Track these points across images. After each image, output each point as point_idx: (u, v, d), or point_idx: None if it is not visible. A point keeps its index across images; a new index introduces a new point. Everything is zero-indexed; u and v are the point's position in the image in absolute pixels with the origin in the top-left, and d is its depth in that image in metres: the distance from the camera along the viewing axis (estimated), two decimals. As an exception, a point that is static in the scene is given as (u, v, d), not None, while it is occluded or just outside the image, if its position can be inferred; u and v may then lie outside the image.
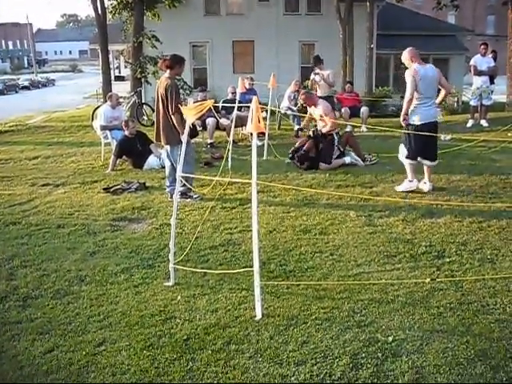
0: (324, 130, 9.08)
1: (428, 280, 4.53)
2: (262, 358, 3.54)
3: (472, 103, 13.60)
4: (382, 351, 3.56)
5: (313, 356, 3.54)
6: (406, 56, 7.14)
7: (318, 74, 11.67)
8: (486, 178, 7.95)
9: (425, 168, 7.43)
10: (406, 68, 7.12)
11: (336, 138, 9.12)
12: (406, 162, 7.42)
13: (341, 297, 4.36)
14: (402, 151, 7.44)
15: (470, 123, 13.44)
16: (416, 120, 7.04)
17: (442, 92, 7.46)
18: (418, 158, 7.31)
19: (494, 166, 8.82)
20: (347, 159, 9.10)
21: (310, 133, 9.33)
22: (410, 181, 7.42)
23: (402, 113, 7.14)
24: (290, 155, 9.24)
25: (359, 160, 9.12)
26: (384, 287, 4.49)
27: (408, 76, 6.99)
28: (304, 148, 9.05)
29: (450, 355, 3.49)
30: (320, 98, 10.39)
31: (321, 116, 9.18)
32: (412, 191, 7.32)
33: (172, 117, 6.91)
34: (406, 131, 7.16)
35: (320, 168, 8.87)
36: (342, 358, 3.51)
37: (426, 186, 7.44)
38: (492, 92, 13.34)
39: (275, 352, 3.60)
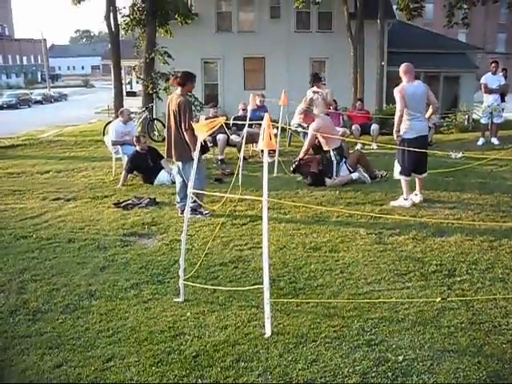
0: (303, 150, 9.32)
1: (439, 299, 4.50)
2: (272, 375, 3.52)
3: (482, 121, 13.58)
4: (392, 371, 3.53)
5: (322, 375, 3.51)
6: (400, 69, 7.44)
7: (317, 92, 11.58)
8: (496, 196, 7.92)
9: (417, 181, 7.73)
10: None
11: (333, 153, 9.06)
12: (402, 179, 7.62)
13: (351, 315, 4.33)
14: (397, 169, 7.69)
15: (480, 141, 13.41)
16: (409, 135, 7.34)
17: (430, 109, 7.70)
18: (412, 174, 7.60)
19: (505, 184, 8.78)
20: (355, 175, 9.11)
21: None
22: (405, 199, 7.59)
23: (394, 129, 7.45)
24: (294, 166, 9.30)
25: (367, 177, 9.12)
26: (394, 306, 4.46)
27: (396, 94, 7.33)
28: (304, 158, 9.12)
29: (462, 376, 3.46)
30: None
31: (322, 136, 9.16)
32: (422, 209, 7.31)
33: (184, 133, 6.94)
34: (401, 147, 7.44)
35: (326, 184, 8.88)
36: (351, 376, 3.48)
37: (417, 197, 7.71)
38: (503, 110, 13.33)
39: (284, 370, 3.58)
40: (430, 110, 7.72)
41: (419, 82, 7.51)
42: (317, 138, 9.66)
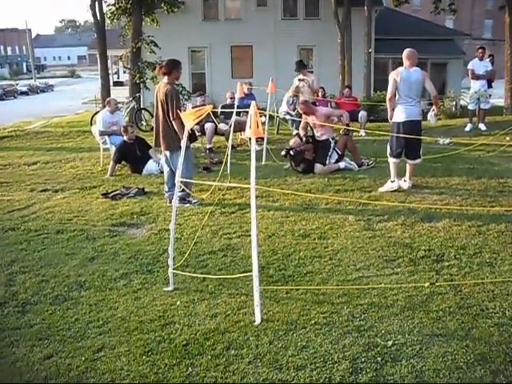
0: (346, 120, 9.36)
1: (427, 284, 4.53)
2: (262, 362, 3.54)
3: (470, 107, 13.62)
4: (382, 355, 3.56)
5: (312, 361, 3.53)
6: (403, 54, 7.53)
7: (302, 80, 11.53)
8: (484, 181, 7.96)
9: (407, 166, 7.74)
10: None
11: (332, 141, 9.17)
12: (391, 161, 7.70)
13: (340, 301, 4.35)
14: (388, 150, 7.79)
15: (468, 127, 13.46)
16: (399, 118, 7.43)
17: (433, 98, 7.69)
18: (402, 157, 7.66)
19: (492, 169, 8.83)
20: (342, 164, 9.16)
21: (304, 138, 9.43)
22: (392, 181, 7.67)
23: (389, 113, 7.61)
24: (284, 153, 9.30)
25: (354, 164, 9.18)
26: (383, 291, 4.49)
27: (390, 77, 7.46)
28: (300, 148, 9.11)
29: (450, 359, 3.49)
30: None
31: (321, 125, 9.21)
32: (410, 195, 7.34)
33: (173, 122, 6.91)
34: (391, 131, 7.58)
35: (315, 170, 8.90)
36: (341, 362, 3.50)
37: (405, 183, 7.74)
38: (490, 96, 13.38)
39: (275, 357, 3.59)
40: (433, 100, 7.70)
41: (416, 69, 7.51)
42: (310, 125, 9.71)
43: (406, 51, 7.51)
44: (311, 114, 9.51)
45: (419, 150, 7.74)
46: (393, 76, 7.40)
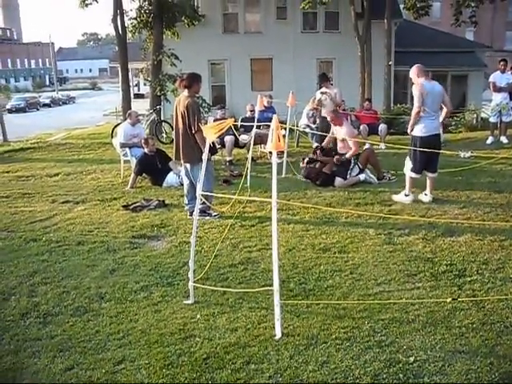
0: (348, 156, 9.15)
1: (449, 300, 4.48)
2: (282, 377, 3.52)
3: (491, 120, 13.49)
4: (404, 372, 3.52)
5: (333, 376, 3.50)
6: (413, 71, 7.51)
7: (325, 93, 11.48)
8: (506, 195, 7.87)
9: (428, 180, 7.75)
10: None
11: (353, 157, 9.16)
12: (410, 176, 7.71)
13: (361, 316, 4.32)
14: (408, 165, 7.77)
15: (489, 140, 13.33)
16: (422, 132, 7.41)
17: (444, 109, 7.73)
18: (424, 172, 7.67)
19: (514, 183, 8.72)
20: (362, 177, 9.12)
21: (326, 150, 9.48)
22: (406, 195, 7.73)
23: (410, 124, 7.55)
24: (303, 165, 9.33)
25: (373, 178, 9.14)
26: (404, 306, 4.45)
27: (415, 91, 7.36)
28: (319, 158, 9.13)
29: (474, 377, 3.44)
30: (325, 118, 10.60)
31: (342, 139, 9.22)
32: (431, 209, 7.29)
33: (195, 135, 6.93)
34: (412, 146, 7.52)
35: (335, 183, 8.88)
36: (362, 378, 3.47)
37: (426, 197, 7.77)
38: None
39: (295, 372, 3.57)
40: (444, 111, 7.73)
41: (436, 83, 7.54)
42: (335, 140, 9.70)
43: (417, 67, 7.46)
44: (338, 124, 9.51)
45: (438, 163, 7.79)
46: (418, 90, 7.28)
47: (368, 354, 3.75)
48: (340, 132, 9.40)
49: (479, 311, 4.33)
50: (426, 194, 7.74)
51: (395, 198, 7.80)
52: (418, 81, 7.39)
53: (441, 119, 7.76)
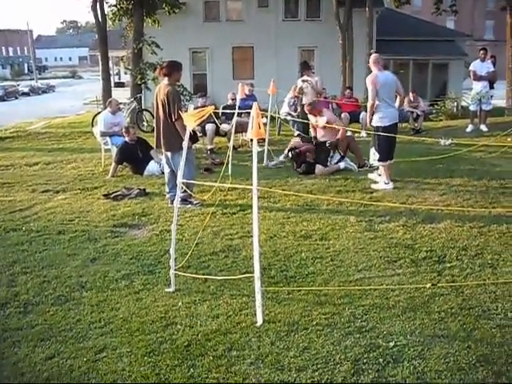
0: (340, 135, 9.28)
1: (429, 285, 4.53)
2: (264, 364, 3.54)
3: (471, 108, 13.62)
4: (384, 357, 3.56)
5: (314, 362, 3.53)
6: (370, 61, 7.95)
7: (306, 81, 11.46)
8: (485, 182, 7.97)
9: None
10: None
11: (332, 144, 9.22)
12: (381, 165, 7.94)
13: (342, 302, 4.36)
14: (374, 156, 8.08)
15: (469, 128, 13.46)
16: (383, 122, 7.69)
17: (398, 98, 8.11)
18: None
19: (493, 170, 8.83)
20: (341, 165, 9.19)
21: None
22: (386, 183, 7.89)
23: (368, 116, 7.90)
24: (285, 154, 9.34)
25: (353, 165, 9.20)
26: (385, 292, 4.49)
27: (368, 83, 7.71)
28: (302, 149, 9.13)
29: (452, 360, 3.49)
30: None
31: (325, 125, 9.26)
32: (412, 196, 7.35)
33: (175, 123, 6.90)
34: (376, 136, 7.85)
35: (316, 171, 8.91)
36: (343, 363, 3.50)
37: (379, 177, 8.14)
38: (491, 97, 13.36)
39: (276, 358, 3.59)
40: (398, 100, 8.11)
41: (389, 73, 7.93)
42: (316, 129, 9.73)
43: (374, 56, 7.89)
44: (318, 113, 9.56)
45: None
46: (372, 81, 7.63)
47: (348, 340, 3.78)
48: (322, 120, 9.42)
49: (458, 296, 4.39)
50: (379, 174, 8.14)
51: (374, 186, 7.94)
52: (373, 71, 7.75)
53: (396, 105, 8.04)
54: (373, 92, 7.61)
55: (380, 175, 8.19)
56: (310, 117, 9.83)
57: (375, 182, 8.08)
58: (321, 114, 9.54)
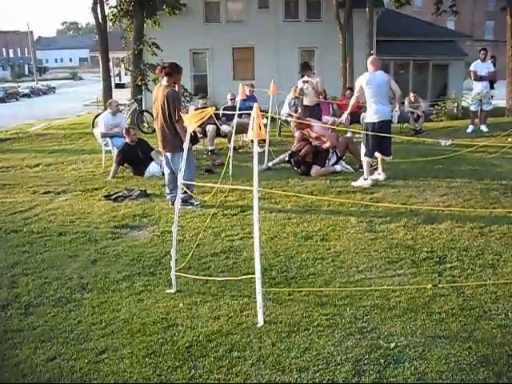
0: (324, 146, 9.24)
1: (430, 286, 4.53)
2: (265, 364, 3.54)
3: (472, 108, 13.62)
4: (385, 357, 3.56)
5: (315, 363, 3.53)
6: (368, 61, 8.17)
7: (306, 82, 11.45)
8: (486, 183, 7.96)
9: (380, 160, 8.34)
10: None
11: (331, 150, 9.24)
12: (365, 160, 8.14)
13: (342, 303, 4.36)
14: (362, 150, 8.23)
15: (470, 128, 13.46)
16: (373, 118, 7.96)
17: (396, 97, 8.44)
18: (375, 154, 8.16)
19: (494, 171, 8.83)
20: (338, 167, 9.21)
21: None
22: (365, 179, 8.09)
23: (346, 112, 8.61)
24: (287, 158, 9.33)
25: (349, 168, 9.24)
26: (386, 293, 4.49)
27: (356, 82, 8.22)
28: (301, 153, 9.13)
29: (453, 361, 3.49)
30: (306, 106, 11.00)
31: (317, 137, 9.34)
32: (412, 197, 7.35)
33: (176, 124, 6.90)
34: (364, 132, 8.09)
35: (311, 171, 8.94)
36: (344, 364, 3.50)
37: (381, 176, 8.34)
38: (492, 97, 13.37)
39: (277, 359, 3.59)
40: (397, 98, 8.44)
41: (381, 72, 8.05)
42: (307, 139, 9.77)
43: (372, 58, 8.32)
44: (307, 128, 9.58)
45: (391, 147, 8.31)
46: (359, 81, 8.12)
47: (349, 341, 3.78)
48: (313, 134, 9.48)
49: (459, 297, 4.39)
50: (379, 174, 8.30)
51: (355, 183, 8.11)
52: (364, 73, 8.08)
53: (396, 107, 8.34)
54: (357, 92, 8.16)
55: (379, 174, 8.27)
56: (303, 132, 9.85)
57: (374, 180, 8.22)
58: (310, 127, 9.54)
